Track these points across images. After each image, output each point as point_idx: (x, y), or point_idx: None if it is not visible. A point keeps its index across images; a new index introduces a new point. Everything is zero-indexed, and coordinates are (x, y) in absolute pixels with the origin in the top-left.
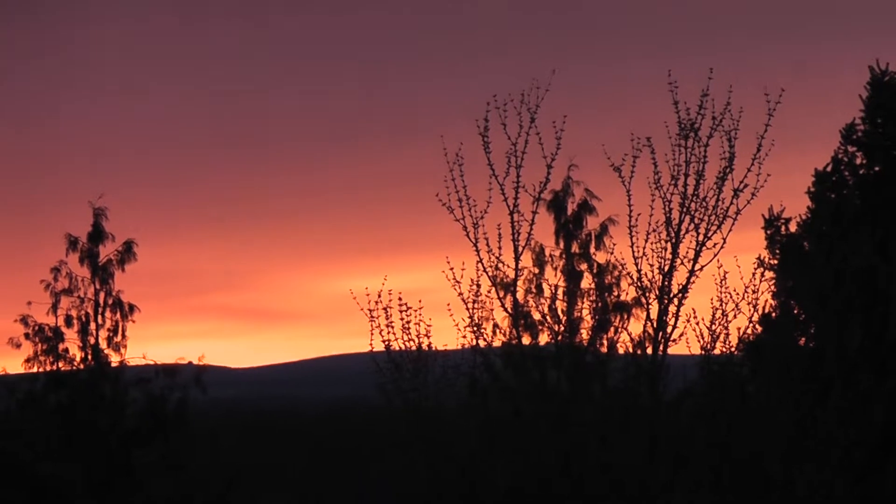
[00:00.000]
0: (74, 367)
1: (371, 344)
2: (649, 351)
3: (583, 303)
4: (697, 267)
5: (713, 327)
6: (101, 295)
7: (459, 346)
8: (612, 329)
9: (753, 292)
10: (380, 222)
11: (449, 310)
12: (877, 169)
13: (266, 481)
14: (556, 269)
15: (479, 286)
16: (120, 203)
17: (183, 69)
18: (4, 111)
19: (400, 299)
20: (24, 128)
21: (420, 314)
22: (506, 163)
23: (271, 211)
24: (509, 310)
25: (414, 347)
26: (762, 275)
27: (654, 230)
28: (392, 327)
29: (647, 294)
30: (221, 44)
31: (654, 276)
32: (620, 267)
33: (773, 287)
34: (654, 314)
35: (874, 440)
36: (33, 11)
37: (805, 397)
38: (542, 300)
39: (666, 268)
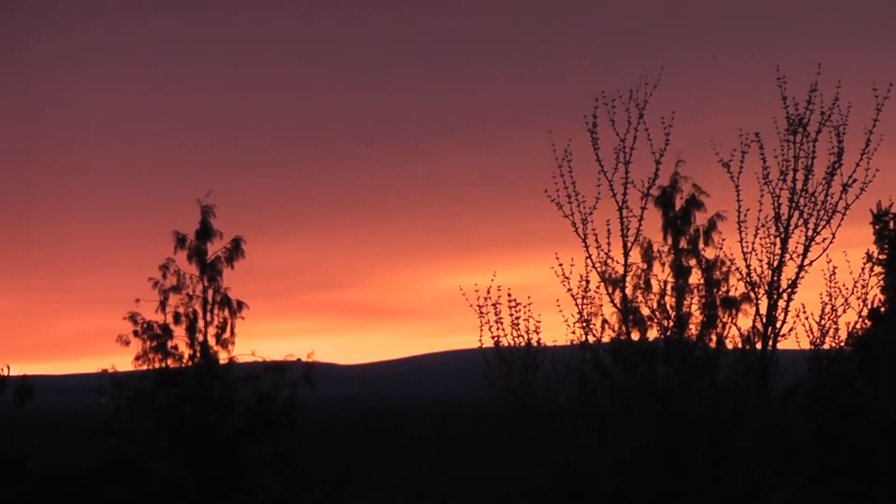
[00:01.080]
0: (183, 365)
1: (480, 340)
2: (758, 346)
3: (691, 298)
4: (807, 262)
5: (822, 322)
6: (210, 292)
7: (568, 342)
8: (721, 324)
9: (862, 287)
10: (489, 218)
11: (558, 305)
12: None
13: (375, 479)
14: (664, 264)
15: (587, 282)
16: (228, 200)
17: (294, 64)
18: (113, 110)
19: (509, 295)
20: (133, 126)
21: (529, 310)
22: (614, 159)
23: (381, 207)
24: (618, 305)
25: (523, 343)
26: (871, 270)
27: (762, 225)
28: (501, 323)
29: (756, 289)
30: (336, 39)
31: (762, 272)
32: (729, 262)
33: (881, 282)
34: (763, 309)
35: None
36: (133, 9)
37: None
38: (651, 296)
39: (775, 263)
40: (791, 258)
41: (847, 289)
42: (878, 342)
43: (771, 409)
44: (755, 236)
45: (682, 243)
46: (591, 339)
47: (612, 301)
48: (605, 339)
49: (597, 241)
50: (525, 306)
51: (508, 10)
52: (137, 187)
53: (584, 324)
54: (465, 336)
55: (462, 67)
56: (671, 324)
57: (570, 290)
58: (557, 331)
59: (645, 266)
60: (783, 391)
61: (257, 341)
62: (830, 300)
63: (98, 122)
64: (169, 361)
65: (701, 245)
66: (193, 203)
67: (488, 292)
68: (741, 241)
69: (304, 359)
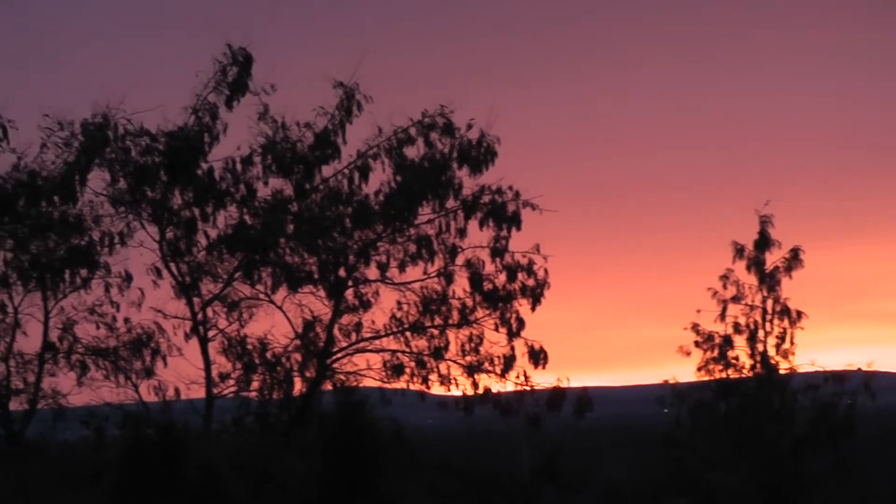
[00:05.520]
0: (743, 375)
1: None
2: None
3: None
4: None
5: None
6: (769, 302)
7: None
8: None
9: None
10: None
11: None
12: None
13: None
14: None
15: None
16: (786, 209)
17: (868, 71)
18: (673, 120)
19: None
20: (692, 135)
21: None
22: None
23: None
24: None
25: None
26: None
27: None
28: None
29: None
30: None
31: None
32: None
33: None
34: None
35: None
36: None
37: None
38: None
39: None
40: None
41: None
42: None
43: None
44: None
45: None
46: None
47: None
48: None
49: None
50: None
51: None
52: (696, 197)
53: None
54: None
55: None
56: None
57: None
58: None
59: None
60: None
61: (816, 351)
62: None
63: (657, 131)
64: (729, 372)
65: None
66: (751, 213)
67: None
68: None
69: (863, 368)
